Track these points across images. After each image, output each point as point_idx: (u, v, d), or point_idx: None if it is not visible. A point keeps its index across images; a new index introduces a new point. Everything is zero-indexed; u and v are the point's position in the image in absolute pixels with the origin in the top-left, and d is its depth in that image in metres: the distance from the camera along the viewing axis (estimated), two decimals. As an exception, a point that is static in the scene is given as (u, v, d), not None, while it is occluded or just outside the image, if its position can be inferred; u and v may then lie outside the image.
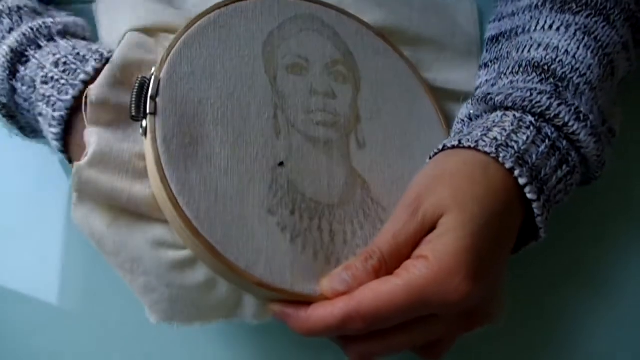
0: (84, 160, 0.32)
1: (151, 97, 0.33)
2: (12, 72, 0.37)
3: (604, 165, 0.37)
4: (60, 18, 0.38)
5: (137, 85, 0.33)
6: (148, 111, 0.32)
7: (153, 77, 0.33)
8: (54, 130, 0.35)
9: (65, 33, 0.38)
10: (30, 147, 0.44)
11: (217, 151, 0.33)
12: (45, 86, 0.35)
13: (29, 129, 0.41)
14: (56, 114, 0.35)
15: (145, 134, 0.33)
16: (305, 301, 0.32)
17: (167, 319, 0.33)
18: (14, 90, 0.37)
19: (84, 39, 0.39)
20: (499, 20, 0.45)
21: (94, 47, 0.37)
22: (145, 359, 0.39)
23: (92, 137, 0.33)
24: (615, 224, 0.45)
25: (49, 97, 0.35)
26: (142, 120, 0.33)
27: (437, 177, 0.34)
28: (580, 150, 0.36)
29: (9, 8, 0.38)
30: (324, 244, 0.34)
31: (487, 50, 0.45)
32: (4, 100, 0.39)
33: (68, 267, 0.41)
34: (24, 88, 0.37)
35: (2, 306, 0.40)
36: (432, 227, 0.32)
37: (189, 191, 0.32)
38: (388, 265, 0.32)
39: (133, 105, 0.33)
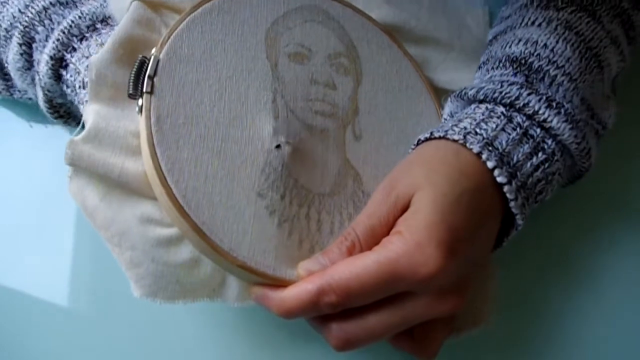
0: (79, 136, 0.33)
1: (149, 77, 0.33)
2: (58, 77, 0.38)
3: (589, 154, 0.37)
4: (87, 7, 0.39)
5: (137, 64, 0.34)
6: (145, 90, 0.33)
7: (152, 57, 0.34)
8: None
9: (94, 25, 0.39)
10: (39, 147, 0.45)
11: (212, 132, 0.34)
12: (83, 90, 0.37)
13: None
14: None
15: (140, 111, 0.33)
16: (286, 286, 0.33)
17: (151, 295, 0.33)
18: (64, 91, 0.39)
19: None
20: (498, 24, 0.46)
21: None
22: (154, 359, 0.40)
23: (90, 114, 0.34)
24: (611, 222, 0.45)
25: (87, 101, 0.36)
26: (138, 99, 0.33)
27: (411, 161, 0.35)
28: (557, 138, 0.36)
29: (38, 13, 0.38)
30: (310, 233, 0.35)
31: (484, 53, 0.45)
32: (60, 100, 0.40)
33: (77, 269, 0.41)
34: (69, 90, 0.38)
35: (11, 308, 0.40)
36: (406, 207, 0.33)
37: (179, 170, 0.32)
38: (362, 245, 0.32)
39: (131, 84, 0.33)
